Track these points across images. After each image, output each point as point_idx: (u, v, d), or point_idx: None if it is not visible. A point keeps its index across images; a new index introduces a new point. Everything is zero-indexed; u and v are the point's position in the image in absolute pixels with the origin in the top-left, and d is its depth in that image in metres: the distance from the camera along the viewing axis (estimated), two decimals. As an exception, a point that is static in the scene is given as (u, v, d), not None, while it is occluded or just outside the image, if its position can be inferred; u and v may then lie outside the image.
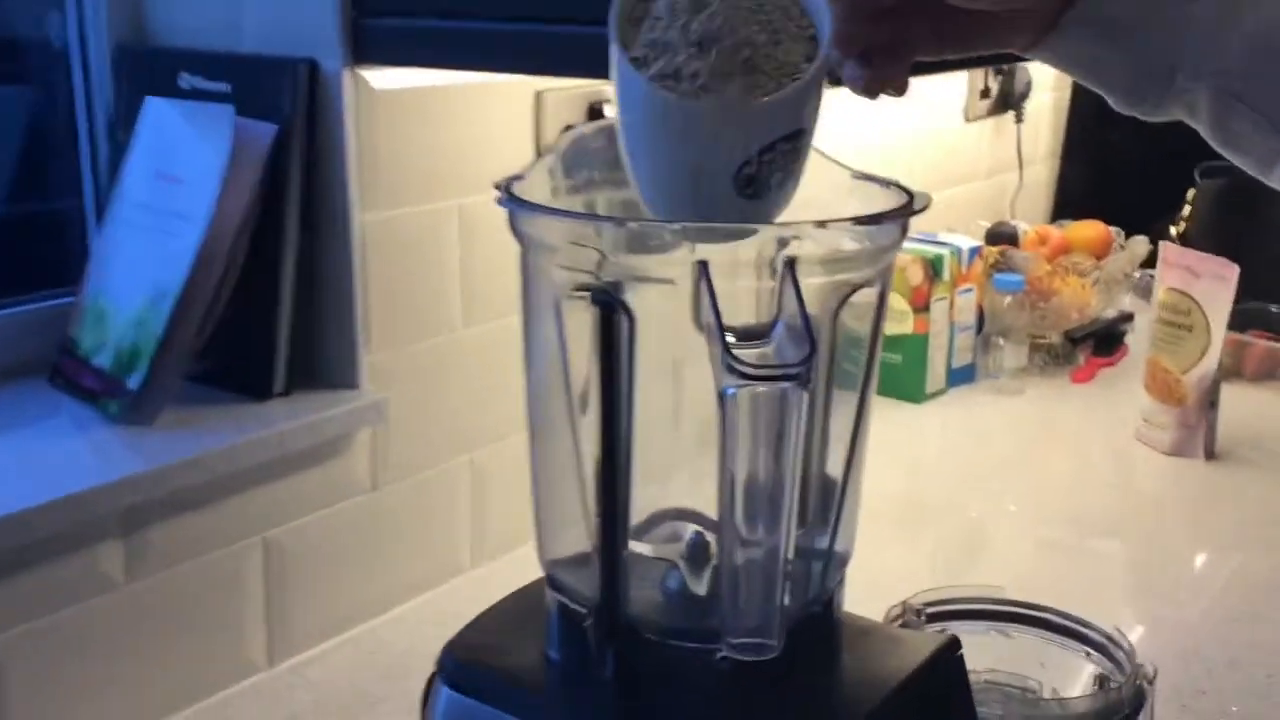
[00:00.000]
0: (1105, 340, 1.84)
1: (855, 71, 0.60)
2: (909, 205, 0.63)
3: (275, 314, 1.04)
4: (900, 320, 1.65)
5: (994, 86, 2.03)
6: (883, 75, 0.60)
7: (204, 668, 1.00)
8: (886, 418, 1.61)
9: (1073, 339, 1.79)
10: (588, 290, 0.61)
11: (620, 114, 0.61)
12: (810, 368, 0.55)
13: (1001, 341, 1.71)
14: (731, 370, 0.54)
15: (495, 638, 0.71)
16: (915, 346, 1.66)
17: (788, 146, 0.58)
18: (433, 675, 0.71)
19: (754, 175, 0.58)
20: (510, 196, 0.64)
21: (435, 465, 1.15)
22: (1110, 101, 0.64)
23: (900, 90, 0.61)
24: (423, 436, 1.14)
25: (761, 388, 0.55)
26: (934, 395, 1.69)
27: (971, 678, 0.73)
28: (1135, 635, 1.08)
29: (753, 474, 0.56)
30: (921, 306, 1.65)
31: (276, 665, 1.05)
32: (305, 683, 1.03)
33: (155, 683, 0.96)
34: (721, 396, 0.55)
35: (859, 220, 0.62)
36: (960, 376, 1.73)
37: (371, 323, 1.07)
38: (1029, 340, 1.74)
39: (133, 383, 0.99)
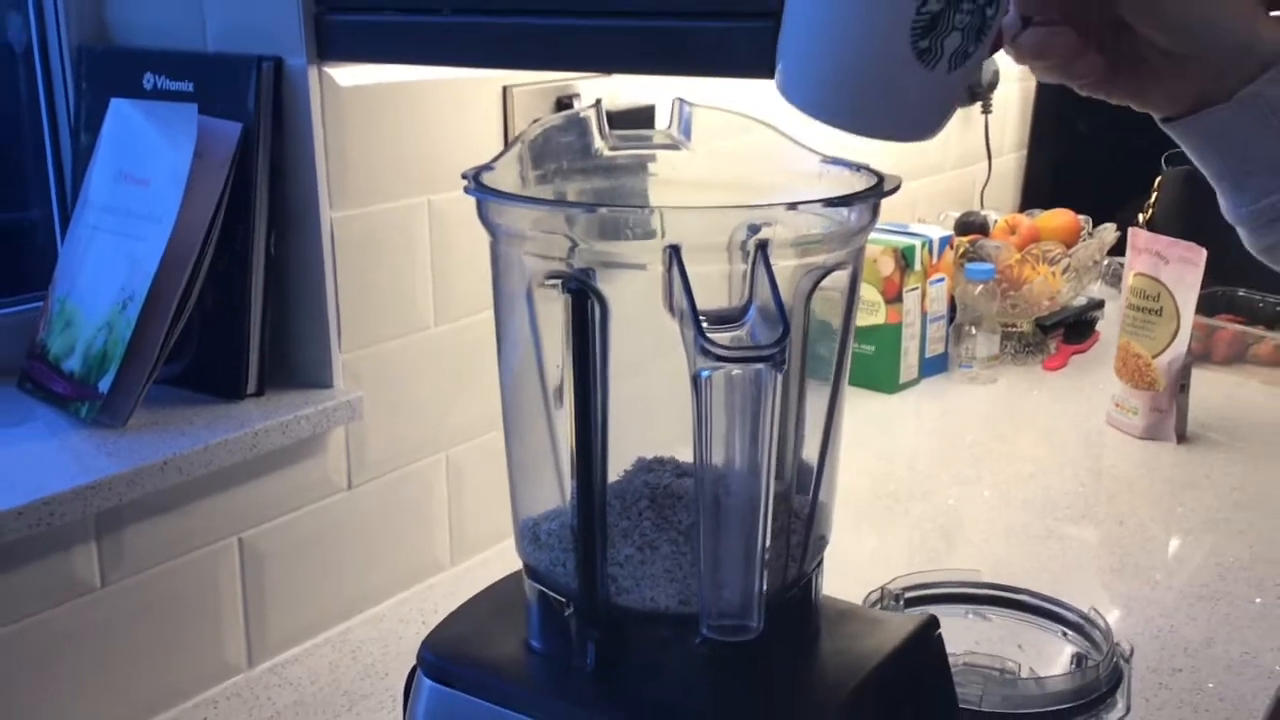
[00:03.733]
0: (1076, 328, 1.85)
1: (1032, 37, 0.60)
2: (879, 186, 0.64)
3: (246, 314, 1.03)
4: (872, 311, 1.66)
5: (961, 77, 2.04)
6: (1052, 41, 0.60)
7: (183, 670, 0.99)
8: (860, 408, 1.62)
9: (1044, 327, 1.80)
10: (559, 278, 0.61)
11: None
12: (784, 349, 0.55)
13: (973, 330, 1.72)
14: (705, 353, 0.54)
15: (475, 629, 0.71)
16: (888, 337, 1.66)
17: (970, 4, 0.54)
18: (413, 669, 0.71)
19: (935, 16, 0.53)
20: (479, 186, 0.64)
21: (411, 463, 1.15)
22: (1226, 204, 0.65)
23: (1061, 64, 0.61)
24: (397, 435, 1.13)
25: (735, 370, 0.55)
26: (907, 385, 1.70)
27: (951, 660, 0.73)
28: (1111, 616, 1.09)
29: (729, 456, 0.56)
30: (893, 297, 1.66)
31: (256, 666, 1.04)
32: (285, 683, 1.03)
33: (134, 686, 0.96)
34: (696, 379, 0.55)
35: (829, 202, 0.62)
36: (933, 366, 1.73)
37: (344, 321, 1.06)
38: (1001, 329, 1.75)
39: (103, 385, 0.98)
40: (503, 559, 1.12)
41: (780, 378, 0.55)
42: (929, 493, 1.39)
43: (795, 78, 0.57)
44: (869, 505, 1.35)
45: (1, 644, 0.87)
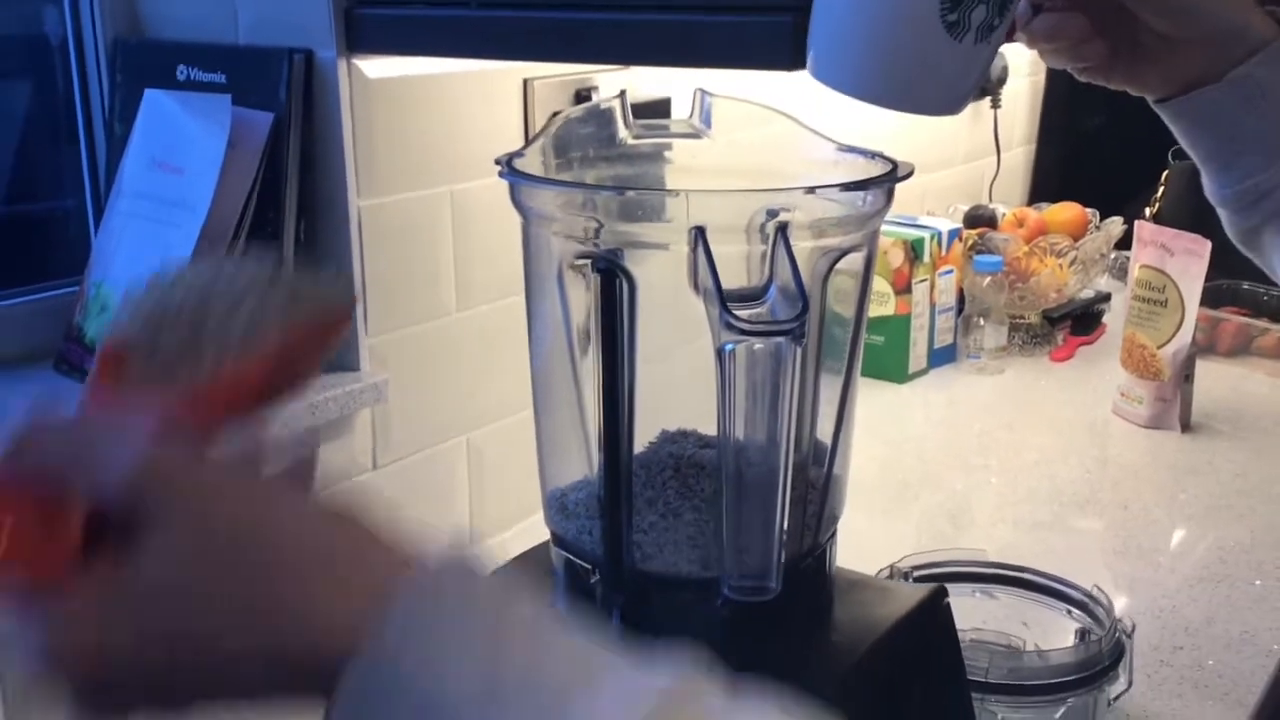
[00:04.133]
0: (1084, 320, 1.88)
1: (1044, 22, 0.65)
2: (893, 172, 0.67)
3: (276, 298, 1.06)
4: (882, 302, 1.69)
5: (970, 73, 2.07)
6: (1064, 25, 0.65)
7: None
8: (871, 398, 1.65)
9: (1051, 319, 1.83)
10: (589, 257, 0.64)
11: None
12: (803, 324, 0.58)
13: (982, 322, 1.74)
14: (730, 327, 0.57)
15: (503, 596, 0.74)
16: (898, 327, 1.69)
17: None
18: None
19: None
20: (512, 170, 0.67)
21: (433, 445, 1.18)
22: (1211, 186, 0.69)
23: (1062, 45, 0.66)
24: (421, 417, 1.16)
25: (758, 344, 0.58)
26: (916, 375, 1.72)
27: (959, 636, 0.76)
28: (1116, 597, 1.12)
29: (751, 426, 0.60)
30: (903, 288, 1.68)
31: (284, 640, 1.07)
32: (312, 656, 1.06)
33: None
34: (720, 353, 0.58)
35: (846, 186, 0.65)
36: (942, 356, 1.76)
37: (370, 306, 1.10)
38: (1008, 320, 1.78)
39: (139, 366, 1.01)
40: (521, 539, 1.15)
41: (799, 351, 0.58)
42: (937, 479, 1.42)
43: (828, 59, 0.61)
44: (879, 491, 1.38)
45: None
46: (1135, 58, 0.67)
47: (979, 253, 1.78)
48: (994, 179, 2.19)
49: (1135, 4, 0.65)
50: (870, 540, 1.19)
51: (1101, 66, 0.68)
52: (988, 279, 1.74)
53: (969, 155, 2.14)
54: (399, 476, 1.15)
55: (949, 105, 0.62)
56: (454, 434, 1.20)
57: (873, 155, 0.70)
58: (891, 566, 1.01)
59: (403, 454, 1.15)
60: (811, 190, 0.63)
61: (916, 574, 1.02)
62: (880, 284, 1.68)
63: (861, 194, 0.66)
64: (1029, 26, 0.65)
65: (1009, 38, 0.62)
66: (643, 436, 0.68)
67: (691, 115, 0.77)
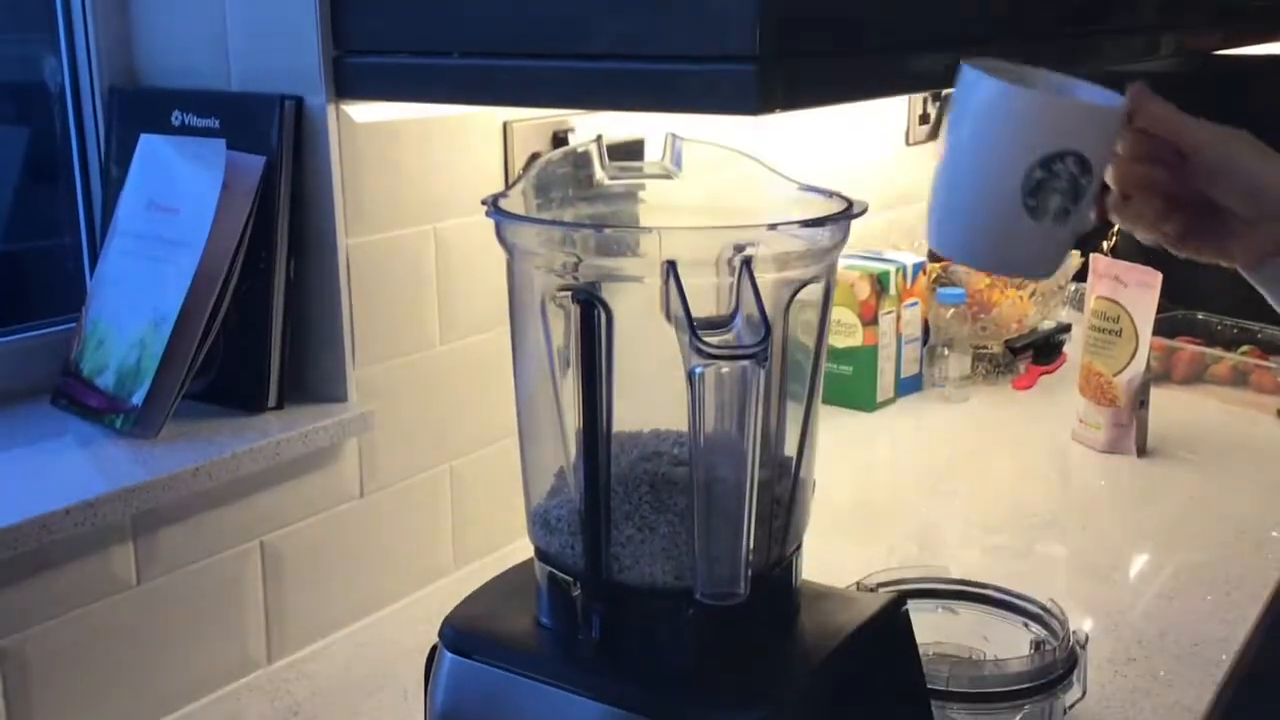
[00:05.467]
0: (1045, 350, 1.95)
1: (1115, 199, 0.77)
2: (849, 209, 0.72)
3: (268, 333, 1.11)
4: (850, 333, 1.75)
5: (933, 112, 2.14)
6: (1144, 211, 0.77)
7: (210, 663, 1.06)
8: (839, 426, 1.70)
9: (1013, 349, 1.90)
10: (568, 290, 0.69)
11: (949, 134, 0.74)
12: (766, 348, 0.63)
13: (946, 352, 1.80)
14: (699, 352, 0.63)
15: (490, 609, 0.78)
16: (865, 358, 1.75)
17: (1072, 170, 0.71)
18: (434, 647, 0.78)
19: (1039, 182, 0.70)
20: (497, 209, 0.72)
21: (418, 473, 1.23)
22: None
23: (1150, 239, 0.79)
24: (406, 447, 1.21)
25: (725, 367, 0.63)
26: (884, 404, 1.78)
27: (921, 649, 0.81)
28: (1073, 611, 1.17)
29: (720, 443, 0.65)
30: (870, 320, 1.74)
31: (276, 661, 1.11)
32: (303, 676, 1.10)
33: (164, 678, 1.03)
34: (690, 376, 0.64)
35: (806, 223, 0.71)
36: (908, 386, 1.82)
37: (357, 340, 1.14)
38: (972, 350, 1.84)
39: (136, 399, 1.05)
40: (501, 564, 1.20)
41: (763, 374, 0.63)
42: (904, 504, 1.48)
43: (941, 232, 0.75)
44: (848, 515, 1.44)
45: (44, 635, 0.95)
46: (1220, 233, 0.77)
47: (943, 285, 1.85)
48: (958, 215, 2.25)
49: (1209, 189, 0.74)
50: (841, 561, 1.24)
51: (1188, 243, 0.78)
52: (951, 310, 1.80)
53: (933, 192, 2.21)
54: (385, 504, 1.20)
55: (1040, 271, 0.77)
56: (438, 463, 1.25)
57: (830, 194, 0.76)
58: (858, 583, 1.06)
59: (388, 482, 1.20)
60: (773, 226, 0.69)
61: (882, 590, 1.07)
62: (848, 316, 1.74)
63: (820, 230, 0.71)
64: (1116, 210, 0.77)
65: (1098, 219, 0.77)
66: (620, 454, 0.73)
67: (663, 157, 0.83)
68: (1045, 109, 0.72)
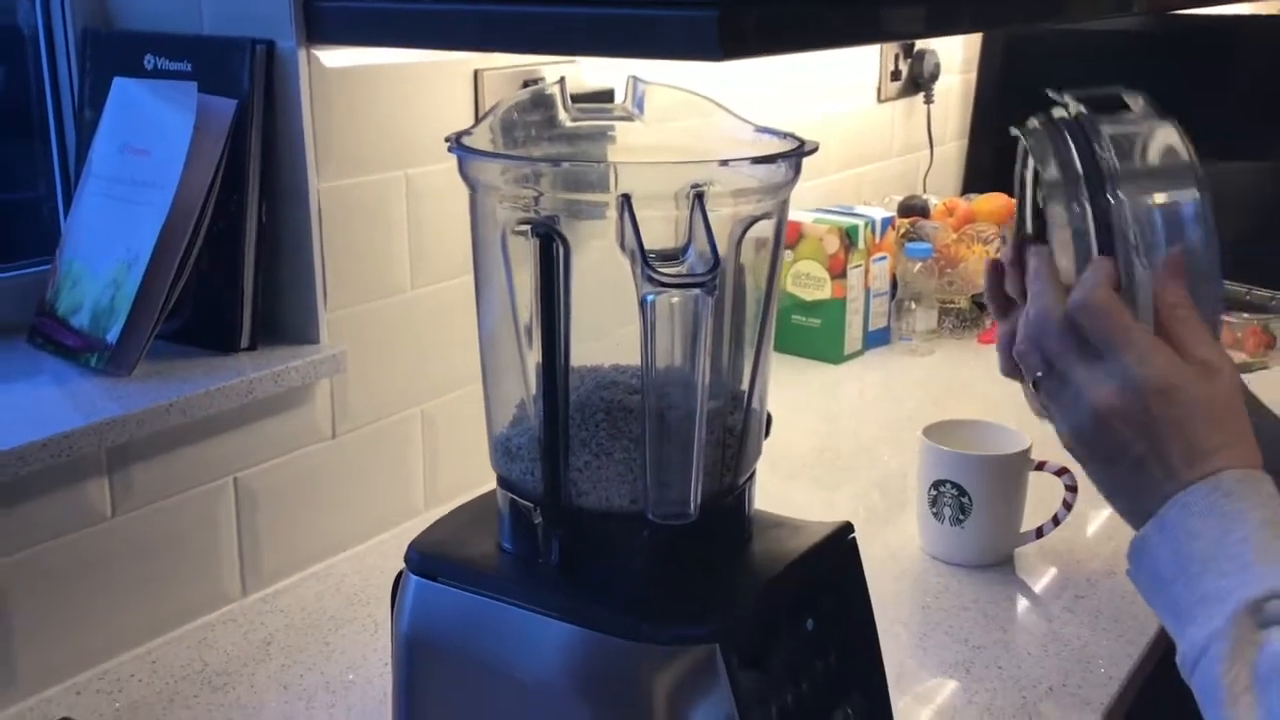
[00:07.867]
0: (1011, 305, 1.97)
1: None
2: (800, 148, 0.75)
3: (240, 275, 1.13)
4: (819, 286, 1.77)
5: (904, 69, 2.16)
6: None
7: (184, 596, 1.09)
8: (808, 377, 1.73)
9: (979, 304, 1.93)
10: (529, 224, 0.71)
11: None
12: (715, 278, 0.66)
13: (914, 306, 1.83)
14: (650, 280, 0.65)
15: (454, 535, 0.81)
16: (833, 311, 1.78)
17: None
18: (399, 573, 0.81)
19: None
20: (460, 145, 0.74)
21: (389, 415, 1.25)
22: None
23: None
24: (378, 389, 1.23)
25: (675, 296, 0.66)
26: (852, 356, 1.81)
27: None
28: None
29: (670, 368, 0.67)
30: (839, 273, 1.77)
31: (249, 595, 1.14)
32: (276, 610, 1.13)
33: (139, 610, 1.05)
34: (642, 303, 0.66)
35: (756, 160, 0.73)
36: (876, 339, 1.85)
37: (329, 283, 1.16)
38: (939, 304, 1.87)
39: (111, 337, 1.07)
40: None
41: (712, 303, 0.66)
42: (870, 454, 1.51)
43: None
44: (814, 464, 1.47)
45: (21, 566, 0.97)
46: None
47: (910, 240, 1.87)
48: (928, 171, 2.28)
49: None
50: (806, 509, 1.27)
51: None
52: (919, 265, 1.83)
53: (904, 149, 2.24)
54: (357, 445, 1.22)
55: None
56: (408, 405, 1.27)
57: (785, 135, 0.78)
58: None
59: (360, 423, 1.22)
60: (725, 163, 0.71)
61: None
62: (817, 269, 1.77)
63: (772, 166, 0.73)
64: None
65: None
66: (578, 381, 0.75)
67: (625, 100, 0.85)
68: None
